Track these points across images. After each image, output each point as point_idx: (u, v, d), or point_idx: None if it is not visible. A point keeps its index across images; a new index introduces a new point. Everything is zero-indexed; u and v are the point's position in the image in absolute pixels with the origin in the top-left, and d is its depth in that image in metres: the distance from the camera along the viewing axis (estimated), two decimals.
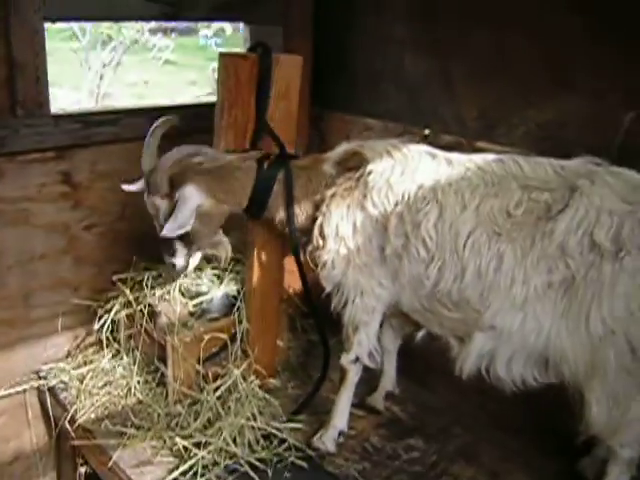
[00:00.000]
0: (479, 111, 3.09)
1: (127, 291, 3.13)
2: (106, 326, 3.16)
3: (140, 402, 3.10)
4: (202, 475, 2.67)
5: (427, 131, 3.24)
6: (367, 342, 2.81)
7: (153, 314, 3.09)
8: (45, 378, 3.27)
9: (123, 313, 3.13)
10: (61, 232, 3.22)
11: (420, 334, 2.79)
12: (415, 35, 3.28)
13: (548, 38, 2.85)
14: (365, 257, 2.68)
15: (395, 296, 2.70)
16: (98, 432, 2.96)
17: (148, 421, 2.98)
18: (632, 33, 2.60)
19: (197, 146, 2.77)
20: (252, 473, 2.68)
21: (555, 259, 2.29)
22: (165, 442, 2.87)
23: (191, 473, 2.69)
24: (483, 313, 2.44)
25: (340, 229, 2.68)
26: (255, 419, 2.89)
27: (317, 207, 2.76)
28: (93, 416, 3.05)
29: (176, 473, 2.69)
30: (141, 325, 3.12)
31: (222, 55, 2.80)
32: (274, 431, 2.88)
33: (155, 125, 2.77)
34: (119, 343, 3.30)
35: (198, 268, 3.33)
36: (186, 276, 3.19)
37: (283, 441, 2.86)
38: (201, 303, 3.15)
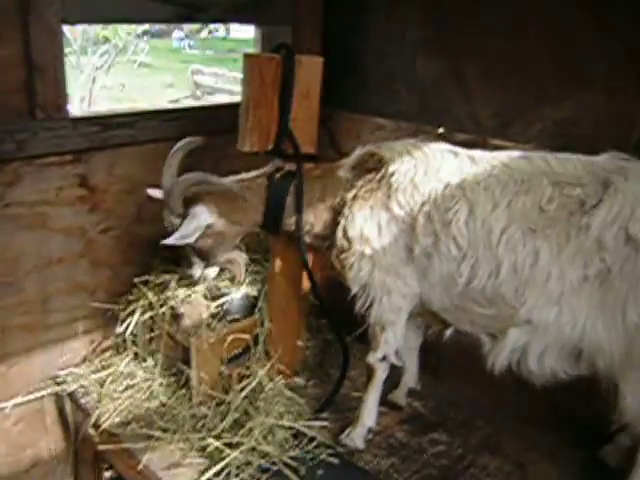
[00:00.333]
0: (494, 109, 3.15)
1: (150, 294, 3.12)
2: (130, 329, 3.15)
3: (164, 405, 3.10)
4: (236, 475, 2.68)
5: (441, 130, 3.29)
6: (394, 341, 2.84)
7: (176, 316, 3.09)
8: (64, 383, 3.24)
9: (147, 316, 3.11)
10: (78, 236, 3.20)
11: (448, 332, 2.83)
12: (427, 35, 3.33)
13: (562, 37, 2.91)
14: (391, 257, 2.71)
15: (423, 295, 2.74)
16: (124, 436, 2.94)
17: (173, 423, 2.98)
18: None
19: (206, 174, 2.84)
20: (287, 471, 2.70)
21: (591, 253, 2.34)
22: (193, 444, 2.87)
23: (224, 473, 2.70)
24: (518, 309, 2.48)
25: (364, 230, 2.71)
26: (283, 418, 2.91)
27: (338, 211, 2.80)
28: (117, 420, 3.03)
29: (210, 474, 2.70)
30: (163, 328, 3.11)
31: (247, 56, 2.81)
32: (304, 429, 2.90)
33: (178, 146, 2.82)
34: (137, 346, 3.29)
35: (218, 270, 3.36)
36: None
37: (312, 439, 2.89)
38: (223, 304, 3.15)
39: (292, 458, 2.78)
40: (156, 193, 2.89)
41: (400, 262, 2.71)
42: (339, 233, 2.76)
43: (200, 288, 3.19)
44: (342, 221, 2.75)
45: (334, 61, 3.19)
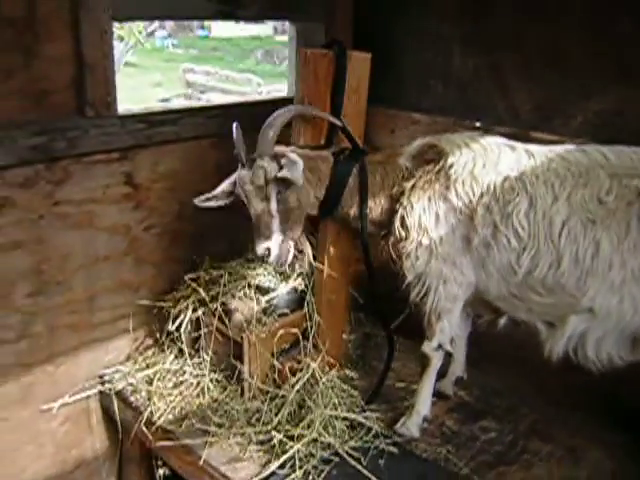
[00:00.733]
0: (534, 102, 3.21)
1: (201, 290, 3.12)
2: (184, 326, 3.14)
3: (215, 400, 3.11)
4: (300, 467, 2.71)
5: (478, 124, 3.34)
6: (449, 329, 2.90)
7: (227, 312, 3.10)
8: (110, 382, 3.23)
9: (200, 312, 3.11)
10: (123, 234, 3.19)
11: (502, 321, 2.89)
12: (463, 30, 3.39)
13: (601, 28, 2.99)
14: (448, 247, 2.77)
15: (479, 284, 2.79)
16: (180, 432, 2.96)
17: (227, 419, 3.00)
18: None
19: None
20: (352, 462, 2.74)
21: None
22: (251, 438, 2.89)
23: (288, 465, 2.73)
24: (580, 297, 2.56)
25: (422, 220, 2.76)
26: (338, 409, 2.94)
27: (396, 200, 2.84)
28: (170, 417, 3.04)
29: (274, 466, 2.73)
30: (212, 324, 3.12)
31: (303, 51, 2.84)
32: (362, 420, 2.94)
33: (277, 113, 2.76)
34: (182, 343, 3.29)
35: (260, 265, 3.39)
36: (280, 267, 3.08)
37: (369, 429, 2.93)
38: (273, 299, 3.17)
39: (353, 448, 2.82)
40: (209, 204, 2.90)
41: (457, 252, 2.76)
42: (397, 222, 2.80)
43: (248, 281, 3.20)
44: (400, 210, 2.79)
45: None
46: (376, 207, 2.90)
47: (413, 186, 2.79)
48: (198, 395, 3.14)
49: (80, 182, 2.97)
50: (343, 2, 3.64)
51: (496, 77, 3.32)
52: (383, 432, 2.93)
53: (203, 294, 3.12)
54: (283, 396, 3.00)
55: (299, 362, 3.10)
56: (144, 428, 3.02)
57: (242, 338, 3.03)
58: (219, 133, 3.35)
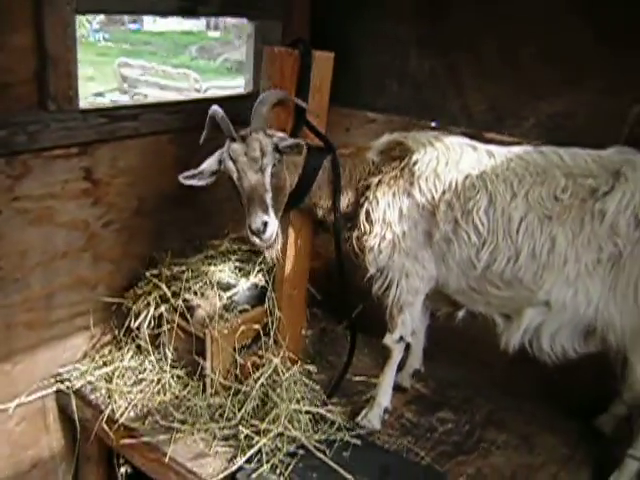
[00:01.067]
0: (488, 103, 3.33)
1: (164, 286, 3.11)
2: (146, 322, 3.12)
3: (177, 397, 3.11)
4: (267, 461, 2.74)
5: (434, 123, 3.44)
6: (410, 322, 2.99)
7: (189, 308, 3.09)
8: (68, 380, 3.18)
9: (162, 308, 3.09)
10: (81, 230, 3.14)
11: (460, 314, 2.99)
12: (420, 31, 3.47)
13: (555, 34, 3.11)
14: (410, 241, 2.85)
15: (440, 278, 2.89)
16: (143, 430, 2.94)
17: (190, 415, 3.01)
18: (636, 29, 2.92)
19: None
20: (319, 454, 2.78)
21: (605, 238, 2.56)
22: (215, 433, 2.91)
23: (255, 460, 2.75)
24: (536, 291, 2.68)
25: (387, 215, 2.83)
26: (301, 404, 2.98)
27: (361, 194, 2.91)
28: (132, 414, 3.02)
29: (241, 461, 2.74)
30: (174, 320, 3.11)
31: (268, 49, 2.86)
32: (326, 414, 2.99)
33: (267, 93, 2.78)
34: (141, 339, 3.26)
35: (221, 261, 3.39)
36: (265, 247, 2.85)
37: (332, 423, 2.98)
38: (234, 295, 3.18)
39: (318, 441, 2.87)
40: (194, 183, 2.79)
41: (419, 246, 2.85)
42: (362, 216, 2.87)
43: (208, 278, 3.21)
44: (366, 204, 2.86)
45: None
46: (343, 199, 2.95)
47: (379, 181, 2.86)
48: (159, 392, 3.13)
49: (39, 177, 2.91)
50: (301, 1, 3.68)
51: (451, 78, 3.42)
52: (346, 425, 2.98)
53: (165, 290, 3.10)
54: (245, 392, 3.03)
55: (261, 357, 3.12)
56: (105, 426, 2.99)
57: (205, 334, 3.04)
58: (177, 129, 3.36)
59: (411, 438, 3.04)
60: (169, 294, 3.10)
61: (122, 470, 3.18)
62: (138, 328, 3.18)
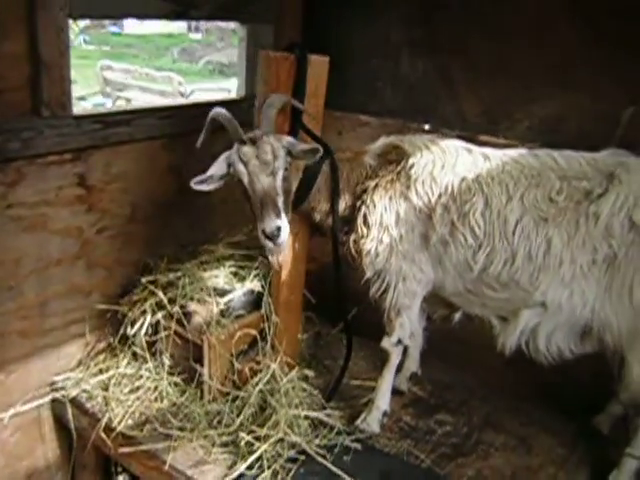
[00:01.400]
0: (481, 107, 3.34)
1: (160, 293, 3.08)
2: (143, 330, 3.09)
3: (174, 404, 3.09)
4: (268, 467, 2.73)
5: (427, 126, 3.45)
6: (409, 325, 2.99)
7: (186, 314, 3.07)
8: (63, 389, 3.14)
9: (159, 315, 3.07)
10: (75, 237, 3.11)
11: (457, 316, 3.01)
12: (413, 35, 3.48)
13: (548, 38, 3.14)
14: (407, 244, 2.85)
15: (436, 280, 2.90)
16: (142, 437, 2.92)
17: (188, 422, 2.99)
18: (628, 33, 2.95)
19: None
20: (320, 459, 2.77)
21: (599, 240, 2.58)
22: (214, 440, 2.89)
23: (256, 466, 2.74)
24: (532, 292, 2.70)
25: (384, 218, 2.84)
26: (300, 409, 2.97)
27: (358, 197, 2.92)
28: (130, 422, 3.00)
29: (242, 467, 2.73)
30: (171, 327, 3.09)
31: (264, 54, 2.85)
32: (326, 418, 2.98)
33: (274, 96, 2.75)
34: (137, 346, 3.24)
35: (216, 267, 3.37)
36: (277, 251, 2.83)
37: (332, 427, 2.98)
38: (230, 301, 3.17)
39: (318, 446, 2.86)
40: (203, 187, 2.73)
41: (416, 249, 2.85)
42: (359, 219, 2.87)
43: (203, 284, 3.19)
44: (363, 208, 2.86)
45: None
46: (340, 203, 2.95)
47: (376, 185, 2.86)
48: (157, 399, 3.11)
49: (33, 184, 2.89)
50: (292, 5, 3.69)
51: (444, 81, 3.43)
52: (345, 429, 2.98)
53: (162, 297, 3.08)
54: (243, 398, 3.01)
55: (258, 363, 3.11)
56: (102, 435, 2.97)
57: (202, 340, 3.02)
58: (171, 134, 3.34)
59: (410, 441, 3.04)
60: (165, 301, 3.08)
61: (120, 478, 3.16)
62: (134, 335, 3.14)
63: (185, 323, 3.08)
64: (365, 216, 2.87)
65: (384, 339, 3.02)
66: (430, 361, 3.49)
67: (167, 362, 3.17)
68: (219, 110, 2.72)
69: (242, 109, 3.18)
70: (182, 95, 12.15)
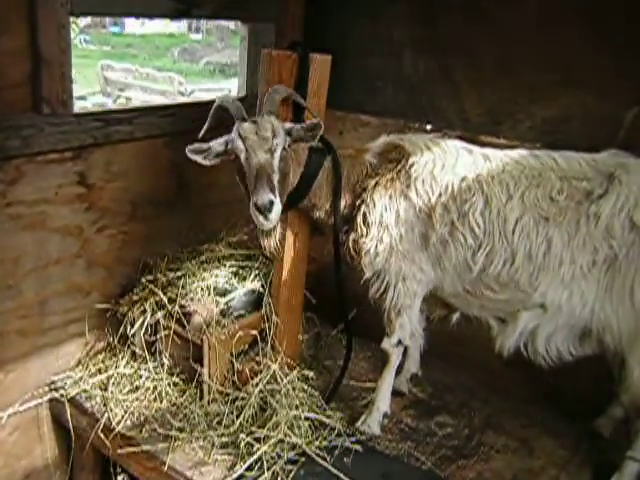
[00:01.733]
0: (484, 107, 3.32)
1: (160, 293, 3.06)
2: (143, 329, 3.07)
3: (174, 404, 3.07)
4: (268, 469, 2.71)
5: (429, 126, 3.44)
6: (409, 325, 2.97)
7: (186, 314, 3.06)
8: (62, 389, 3.13)
9: (159, 315, 3.05)
10: (75, 235, 3.10)
11: (454, 317, 2.99)
12: (415, 34, 3.46)
13: (551, 38, 3.11)
14: (407, 244, 2.84)
15: (436, 281, 2.88)
16: (141, 438, 2.90)
17: (188, 422, 2.97)
18: (632, 33, 2.93)
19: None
20: (320, 461, 2.76)
21: (600, 240, 2.57)
22: (214, 441, 2.87)
23: (256, 468, 2.72)
24: (532, 293, 2.68)
25: (384, 217, 2.82)
26: (300, 410, 2.95)
27: (358, 195, 2.89)
28: (129, 423, 2.98)
29: (242, 469, 2.71)
30: (171, 327, 3.07)
31: (266, 52, 2.83)
32: (326, 420, 2.96)
33: (279, 86, 2.76)
34: (136, 346, 3.22)
35: (216, 267, 3.35)
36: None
37: (332, 429, 2.96)
38: (230, 300, 3.15)
39: (318, 448, 2.84)
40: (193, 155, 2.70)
41: (416, 249, 2.84)
42: (359, 218, 2.85)
43: (204, 283, 3.17)
44: (363, 207, 2.84)
45: None
46: (342, 201, 2.93)
47: (376, 183, 2.84)
48: (156, 399, 3.10)
49: (33, 182, 2.87)
50: (294, 4, 3.67)
51: (446, 81, 3.41)
52: (346, 431, 2.96)
53: (162, 296, 3.06)
54: (243, 398, 3.00)
55: (258, 363, 3.10)
56: (101, 435, 2.95)
57: (202, 340, 3.00)
58: (172, 132, 3.32)
59: (411, 443, 3.02)
60: (165, 300, 3.06)
61: (119, 479, 3.13)
62: (134, 335, 3.13)
63: (185, 323, 3.06)
64: (365, 215, 2.85)
65: (384, 340, 3.00)
66: (431, 362, 3.47)
67: (167, 362, 3.16)
68: (222, 96, 2.75)
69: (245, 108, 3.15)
70: (182, 95, 12.16)
